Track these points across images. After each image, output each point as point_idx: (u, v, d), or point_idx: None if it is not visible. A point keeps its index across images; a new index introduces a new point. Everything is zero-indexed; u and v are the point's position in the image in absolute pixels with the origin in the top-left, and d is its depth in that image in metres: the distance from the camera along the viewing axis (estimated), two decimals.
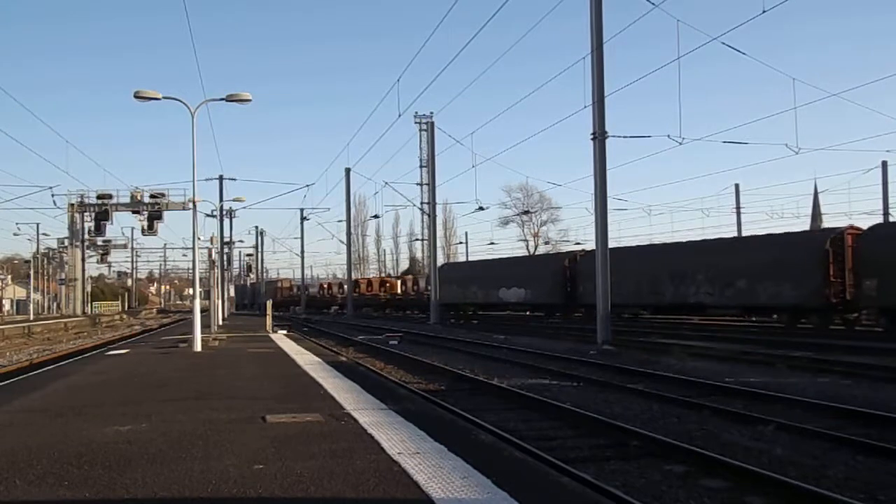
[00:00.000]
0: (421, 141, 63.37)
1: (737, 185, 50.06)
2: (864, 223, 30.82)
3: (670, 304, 28.20)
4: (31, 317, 57.08)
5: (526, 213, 71.10)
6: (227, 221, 48.71)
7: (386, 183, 56.94)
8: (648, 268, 28.65)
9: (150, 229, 52.93)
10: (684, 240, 37.61)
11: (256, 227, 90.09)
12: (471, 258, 79.05)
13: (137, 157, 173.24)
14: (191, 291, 28.59)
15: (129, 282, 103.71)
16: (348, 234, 56.29)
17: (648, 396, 11.31)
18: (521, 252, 74.50)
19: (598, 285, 21.60)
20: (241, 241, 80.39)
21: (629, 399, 11.27)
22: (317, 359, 14.84)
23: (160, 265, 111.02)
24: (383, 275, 78.67)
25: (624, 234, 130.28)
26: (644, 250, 31.78)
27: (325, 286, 75.37)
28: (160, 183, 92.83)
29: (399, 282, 61.77)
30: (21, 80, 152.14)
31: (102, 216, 52.53)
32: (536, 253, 65.39)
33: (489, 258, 57.38)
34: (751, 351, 17.73)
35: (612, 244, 23.35)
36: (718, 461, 6.82)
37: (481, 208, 42.63)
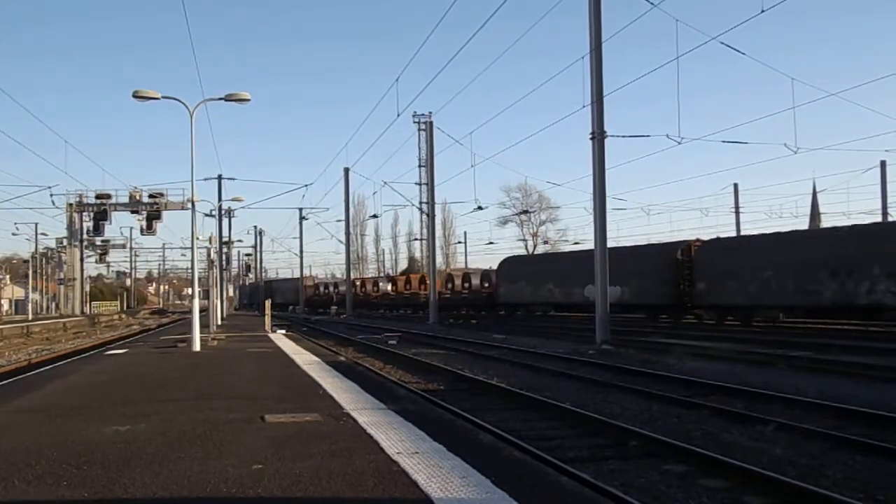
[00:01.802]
0: (420, 140, 63.42)
1: (735, 185, 50.19)
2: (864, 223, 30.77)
3: (831, 305, 23.01)
4: (30, 316, 57.06)
5: (525, 212, 71.16)
6: (225, 221, 48.63)
7: (385, 182, 57.02)
8: (795, 260, 23.74)
9: (148, 229, 52.91)
10: (849, 223, 30.24)
11: (255, 227, 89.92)
12: (470, 258, 78.78)
13: (136, 157, 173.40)
14: (190, 291, 28.60)
15: (128, 282, 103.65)
16: (347, 233, 56.31)
17: (647, 396, 11.31)
18: (520, 251, 74.43)
19: (597, 284, 21.60)
20: (240, 241, 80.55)
21: (628, 399, 11.27)
22: (316, 358, 14.83)
23: (159, 265, 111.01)
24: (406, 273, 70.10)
25: (622, 233, 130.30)
26: (788, 238, 26.60)
27: (358, 283, 66.19)
28: (159, 183, 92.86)
29: (445, 279, 53.57)
30: (20, 80, 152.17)
31: (101, 216, 52.50)
32: (629, 245, 50.51)
33: (570, 250, 48.49)
34: (750, 351, 17.72)
35: (610, 244, 23.28)
36: (717, 461, 6.82)
37: (480, 208, 42.54)
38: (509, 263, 42.37)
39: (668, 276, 28.98)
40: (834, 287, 22.47)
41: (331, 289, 70.33)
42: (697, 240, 30.45)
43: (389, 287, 58.90)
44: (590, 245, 27.42)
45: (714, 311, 27.64)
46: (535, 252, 71.33)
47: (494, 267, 53.67)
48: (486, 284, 45.18)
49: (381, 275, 77.45)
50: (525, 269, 39.72)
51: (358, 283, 65.80)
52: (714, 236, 32.51)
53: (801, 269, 23.50)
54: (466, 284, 48.54)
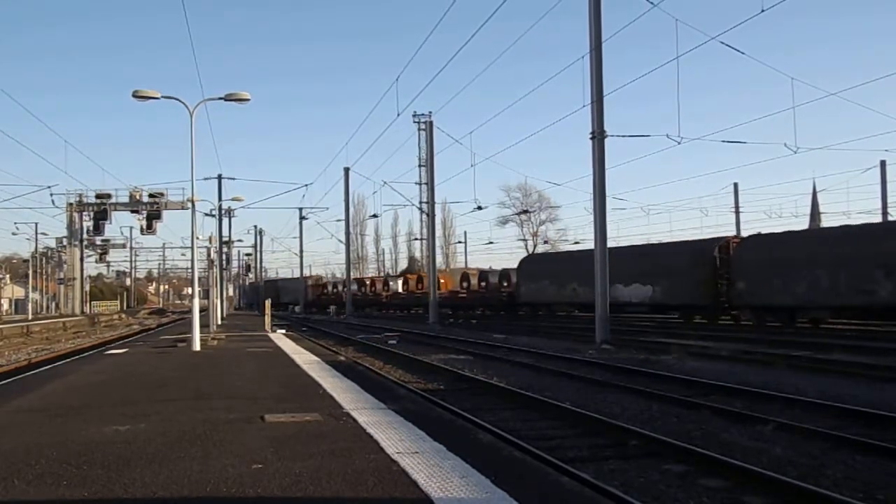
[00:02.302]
0: (420, 140, 63.52)
1: (735, 185, 50.20)
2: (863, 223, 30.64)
3: (885, 306, 21.28)
4: (30, 316, 57.06)
5: (525, 212, 71.09)
6: (225, 221, 48.65)
7: (385, 182, 57.12)
8: (847, 256, 22.06)
9: (148, 229, 52.86)
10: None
11: (255, 227, 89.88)
12: (469, 258, 78.53)
13: (136, 157, 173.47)
14: (189, 291, 28.60)
15: (128, 281, 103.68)
16: (347, 233, 56.32)
17: (647, 396, 11.31)
18: (521, 252, 74.20)
19: (596, 284, 21.61)
20: (239, 241, 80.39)
21: (628, 399, 11.27)
22: (315, 358, 14.83)
23: (159, 265, 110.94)
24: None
25: (622, 233, 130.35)
26: (840, 233, 24.83)
27: (368, 282, 63.04)
28: (159, 182, 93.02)
29: (461, 278, 50.37)
30: (20, 80, 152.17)
31: (101, 216, 52.43)
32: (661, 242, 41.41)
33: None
34: (750, 350, 17.72)
35: (610, 244, 23.26)
36: (717, 461, 6.82)
37: (480, 208, 42.49)
38: (530, 262, 39.79)
39: (704, 275, 27.19)
40: (889, 287, 20.87)
41: (339, 288, 66.81)
42: (736, 236, 28.89)
43: (401, 286, 56.59)
44: (590, 244, 26.97)
45: (754, 311, 25.94)
46: (536, 251, 71.20)
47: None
48: (506, 283, 43.37)
49: (395, 273, 75.76)
50: (547, 268, 37.60)
51: (368, 282, 63.62)
52: (758, 231, 30.89)
53: (854, 266, 21.76)
54: (483, 283, 46.59)
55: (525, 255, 43.15)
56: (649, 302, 30.17)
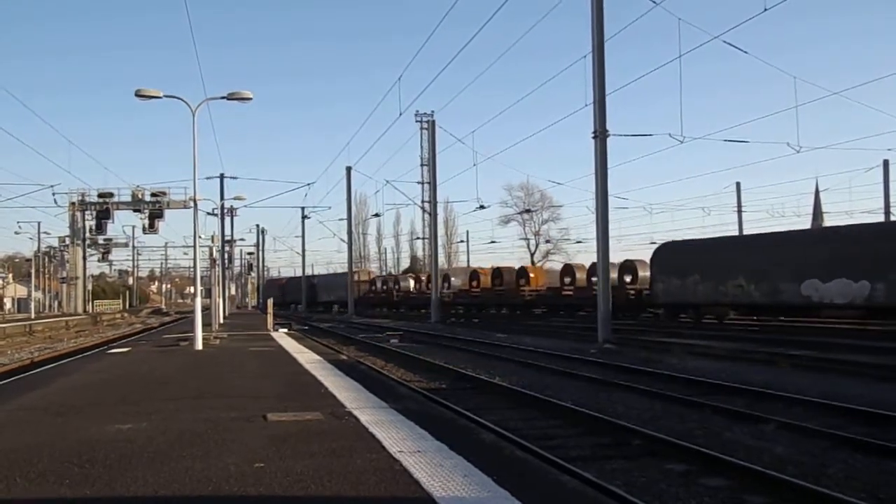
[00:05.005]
0: (422, 139, 63.60)
1: (738, 184, 50.00)
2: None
3: None
4: (33, 315, 57.16)
5: (527, 211, 71.08)
6: (228, 220, 48.72)
7: (387, 181, 57.13)
8: None
9: (151, 228, 52.90)
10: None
11: (257, 226, 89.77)
12: (472, 257, 78.30)
13: (139, 156, 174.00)
14: (192, 290, 28.61)
15: (131, 280, 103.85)
16: (349, 232, 56.32)
17: (649, 395, 11.30)
18: (523, 251, 73.84)
19: (598, 283, 21.60)
20: (242, 240, 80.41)
21: (630, 398, 11.26)
22: (318, 357, 14.84)
23: (161, 263, 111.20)
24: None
25: (625, 232, 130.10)
26: None
27: (425, 279, 55.01)
28: (161, 181, 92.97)
29: (562, 272, 43.85)
30: (22, 80, 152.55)
31: (103, 215, 52.49)
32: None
33: (771, 231, 31.45)
34: (752, 349, 17.71)
35: (612, 243, 23.20)
36: (719, 460, 6.81)
37: (482, 207, 42.40)
38: (671, 251, 30.53)
39: None
40: None
41: (389, 284, 59.47)
42: None
43: (472, 284, 49.98)
44: (595, 243, 25.99)
45: None
46: (538, 250, 71.03)
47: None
48: (630, 279, 35.57)
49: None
50: (697, 259, 28.42)
51: (424, 278, 56.68)
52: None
53: None
54: (595, 279, 39.16)
55: (664, 242, 33.26)
56: (864, 303, 21.95)
